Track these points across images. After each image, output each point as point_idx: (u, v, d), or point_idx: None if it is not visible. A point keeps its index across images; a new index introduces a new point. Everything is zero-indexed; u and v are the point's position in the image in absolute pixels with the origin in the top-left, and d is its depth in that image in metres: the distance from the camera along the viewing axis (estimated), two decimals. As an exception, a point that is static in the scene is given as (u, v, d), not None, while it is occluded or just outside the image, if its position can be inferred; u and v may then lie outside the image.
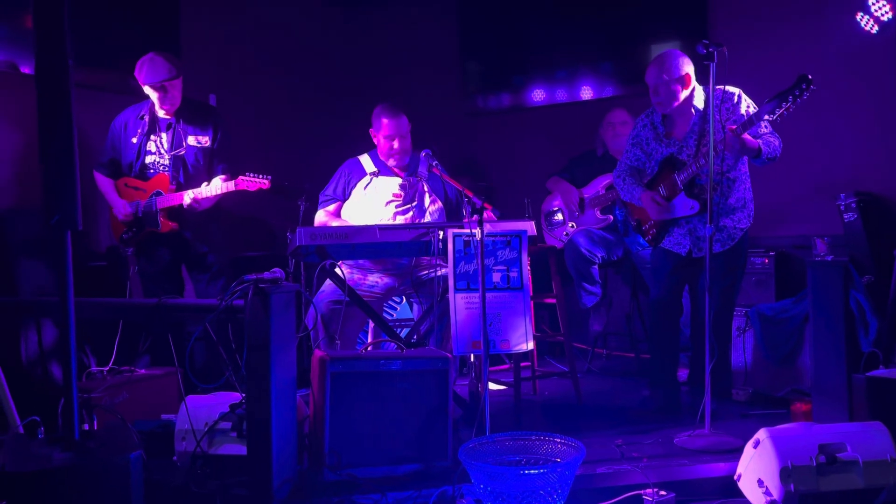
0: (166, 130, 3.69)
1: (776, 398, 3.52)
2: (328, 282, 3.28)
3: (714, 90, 3.01)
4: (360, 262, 3.43)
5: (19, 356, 3.22)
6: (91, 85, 4.12)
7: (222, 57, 5.09)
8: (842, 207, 3.83)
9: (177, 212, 3.68)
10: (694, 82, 3.30)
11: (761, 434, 2.41)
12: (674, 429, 3.13)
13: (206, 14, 5.01)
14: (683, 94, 3.28)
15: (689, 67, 3.26)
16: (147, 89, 3.62)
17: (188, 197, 3.59)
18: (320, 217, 3.53)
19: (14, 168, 3.94)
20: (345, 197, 3.52)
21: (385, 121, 3.47)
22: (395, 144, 3.48)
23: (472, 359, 3.68)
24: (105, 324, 3.39)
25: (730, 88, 3.27)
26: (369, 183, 3.49)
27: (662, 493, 2.43)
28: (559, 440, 2.39)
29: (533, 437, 2.41)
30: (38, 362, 3.26)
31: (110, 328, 3.36)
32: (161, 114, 3.69)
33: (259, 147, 5.02)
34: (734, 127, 3.05)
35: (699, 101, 3.31)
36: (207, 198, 3.61)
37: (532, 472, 2.20)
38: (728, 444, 2.88)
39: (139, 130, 3.68)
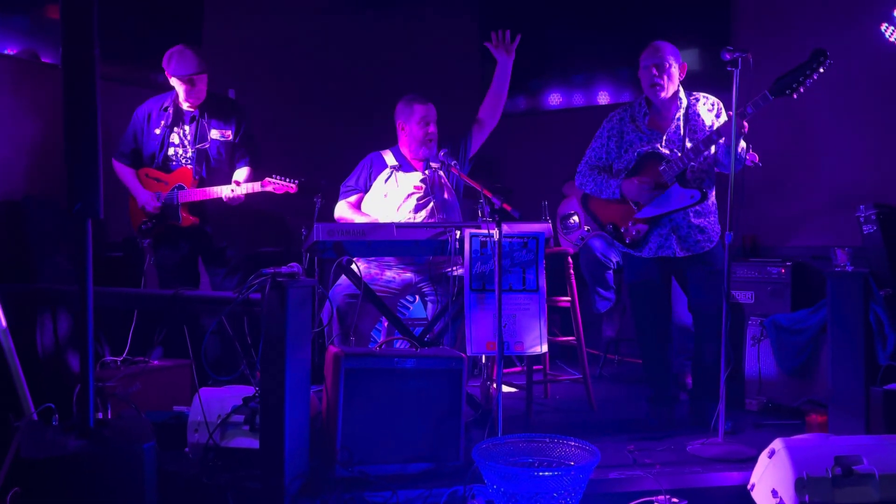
0: (190, 123, 3.70)
1: (790, 408, 3.50)
2: (344, 276, 3.29)
3: (736, 98, 2.99)
4: (379, 257, 3.43)
5: (34, 343, 3.23)
6: (112, 77, 4.14)
7: (243, 53, 5.11)
8: (861, 219, 3.79)
9: (198, 206, 3.68)
10: None
11: (777, 444, 2.40)
12: (686, 436, 3.12)
13: (229, 10, 5.04)
14: (677, 83, 3.28)
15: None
16: (174, 81, 3.63)
17: (229, 190, 3.58)
18: (341, 207, 3.54)
19: (32, 156, 3.96)
20: (366, 188, 3.53)
21: (418, 106, 3.51)
22: (431, 128, 3.50)
23: (483, 360, 3.68)
24: (120, 313, 3.41)
25: (709, 95, 3.32)
26: (390, 176, 3.50)
27: (675, 500, 2.42)
28: (573, 443, 2.38)
29: (547, 440, 2.40)
30: (53, 350, 3.27)
31: (125, 318, 3.37)
32: (185, 106, 3.70)
33: (276, 143, 5.02)
34: (733, 113, 3.00)
35: (683, 96, 3.31)
36: (242, 193, 3.62)
37: (546, 473, 2.19)
38: (741, 453, 2.86)
39: (163, 122, 3.68)
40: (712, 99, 3.33)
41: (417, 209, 3.44)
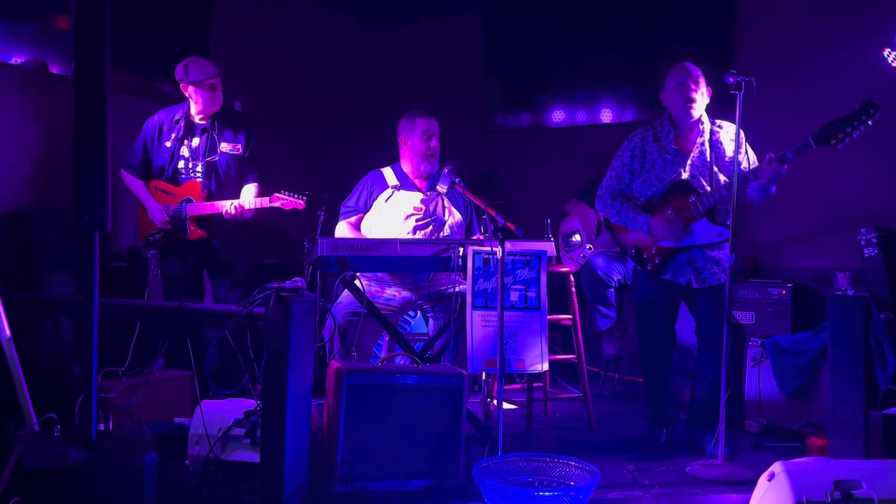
0: (200, 135, 3.71)
1: (790, 431, 3.50)
2: (346, 293, 3.29)
3: (738, 121, 3.01)
4: (379, 275, 3.44)
5: (37, 353, 3.24)
6: (118, 88, 4.16)
7: (249, 67, 5.14)
8: (862, 242, 3.80)
9: (206, 219, 3.68)
10: None
11: (776, 467, 2.39)
12: (686, 457, 3.12)
13: (236, 26, 5.06)
14: (704, 105, 3.25)
15: None
16: (191, 90, 3.64)
17: (231, 206, 3.58)
18: (342, 228, 3.55)
19: (37, 166, 3.97)
20: (366, 209, 3.54)
21: (420, 120, 3.52)
22: (433, 143, 3.52)
23: (483, 377, 3.68)
24: (123, 324, 3.41)
25: (732, 125, 3.26)
26: (391, 196, 3.51)
27: (674, 521, 2.42)
28: (573, 463, 2.38)
29: (547, 459, 2.40)
30: (55, 360, 3.28)
31: (128, 329, 3.37)
32: (197, 119, 3.71)
33: (280, 156, 5.05)
34: (773, 156, 2.99)
35: (706, 121, 3.28)
36: (249, 209, 3.61)
37: (546, 493, 2.19)
38: (741, 475, 2.86)
39: (174, 135, 3.69)
40: (735, 129, 3.25)
41: (415, 231, 3.45)
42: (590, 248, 4.49)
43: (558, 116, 5.64)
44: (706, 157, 3.24)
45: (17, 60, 3.92)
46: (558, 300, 3.91)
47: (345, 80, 5.94)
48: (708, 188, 3.20)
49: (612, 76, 5.41)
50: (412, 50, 6.05)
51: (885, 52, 4.11)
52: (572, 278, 3.85)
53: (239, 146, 3.74)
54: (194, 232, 3.66)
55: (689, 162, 3.25)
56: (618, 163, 3.41)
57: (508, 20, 5.85)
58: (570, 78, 5.58)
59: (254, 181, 3.76)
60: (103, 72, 2.13)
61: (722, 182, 3.18)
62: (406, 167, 3.60)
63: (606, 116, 5.44)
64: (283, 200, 3.58)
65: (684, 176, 3.23)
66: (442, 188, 3.53)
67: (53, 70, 4.04)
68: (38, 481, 1.97)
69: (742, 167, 3.17)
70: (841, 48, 4.40)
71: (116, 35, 2.23)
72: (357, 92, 5.97)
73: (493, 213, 2.89)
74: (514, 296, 2.94)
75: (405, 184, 3.55)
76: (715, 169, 3.22)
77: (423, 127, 3.51)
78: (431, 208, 3.51)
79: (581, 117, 5.56)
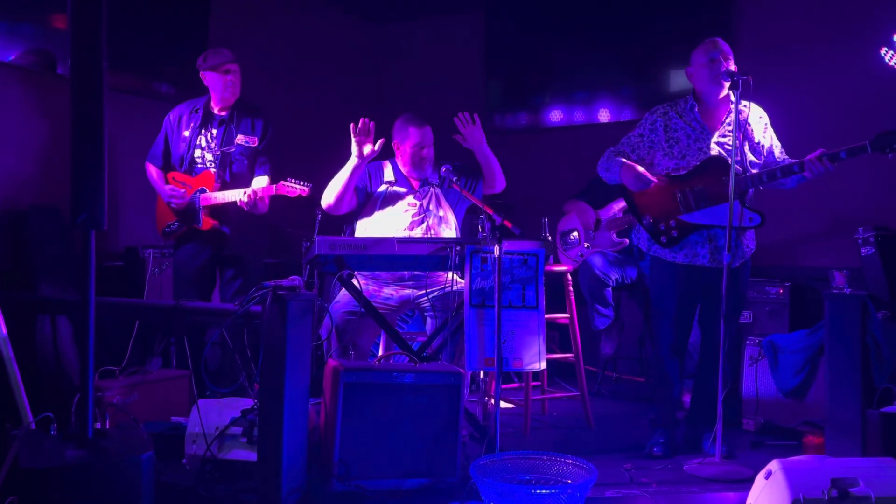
0: (218, 126, 3.72)
1: (787, 429, 3.50)
2: (343, 292, 3.30)
3: (735, 119, 3.01)
4: (376, 273, 3.44)
5: (34, 351, 3.24)
6: (116, 88, 4.16)
7: (247, 67, 5.12)
8: (860, 241, 3.81)
9: (219, 209, 3.67)
10: None
11: (773, 465, 2.40)
12: (684, 455, 3.12)
13: (235, 26, 5.06)
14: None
15: None
16: (209, 76, 3.68)
17: (244, 194, 3.56)
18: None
19: (36, 167, 3.98)
20: (366, 189, 3.54)
21: (412, 130, 3.51)
22: (425, 152, 3.52)
23: (481, 376, 3.68)
24: (120, 323, 3.41)
25: (756, 106, 3.20)
26: (386, 192, 3.51)
27: (671, 519, 2.42)
28: (570, 461, 2.38)
29: (544, 457, 2.40)
30: (52, 359, 3.28)
31: (125, 327, 3.38)
32: (216, 110, 3.73)
33: (278, 155, 5.05)
34: (824, 152, 2.93)
35: (734, 100, 3.10)
36: (263, 199, 3.60)
37: (543, 491, 2.19)
38: (738, 473, 2.87)
39: (192, 124, 3.70)
40: (761, 110, 3.22)
41: (412, 226, 3.45)
42: (587, 246, 4.49)
43: (556, 116, 5.65)
44: (737, 137, 3.09)
45: (13, 58, 3.90)
46: (556, 299, 3.91)
47: (343, 80, 5.94)
48: (738, 167, 3.06)
49: (611, 76, 5.42)
50: (412, 49, 6.06)
51: (883, 52, 4.12)
52: (570, 277, 3.85)
53: (255, 138, 3.75)
54: (206, 221, 3.65)
55: (714, 139, 3.15)
56: (635, 132, 3.32)
57: (509, 21, 5.85)
58: (569, 78, 5.59)
59: (265, 174, 3.75)
60: (100, 71, 2.13)
61: (765, 172, 3.06)
62: (401, 166, 3.60)
63: (605, 116, 5.44)
64: (288, 188, 3.58)
65: (712, 152, 3.13)
66: (436, 183, 3.54)
67: (57, 69, 4.04)
68: (35, 480, 1.97)
69: (778, 156, 3.18)
70: (839, 47, 4.41)
71: (114, 35, 2.23)
72: (356, 91, 5.97)
73: (490, 211, 2.89)
74: (511, 294, 2.93)
75: (400, 180, 3.56)
76: (746, 148, 3.14)
77: (416, 138, 3.50)
78: (426, 204, 3.52)
79: (579, 117, 5.57)
